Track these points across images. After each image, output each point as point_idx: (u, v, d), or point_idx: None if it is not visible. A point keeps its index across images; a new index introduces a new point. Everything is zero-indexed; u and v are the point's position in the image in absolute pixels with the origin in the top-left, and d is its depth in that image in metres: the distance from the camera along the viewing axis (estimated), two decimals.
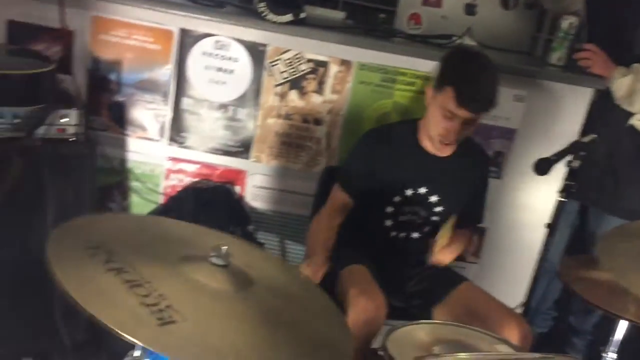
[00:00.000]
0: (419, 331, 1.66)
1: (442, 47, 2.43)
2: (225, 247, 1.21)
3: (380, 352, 1.55)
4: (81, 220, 1.27)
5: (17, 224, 2.03)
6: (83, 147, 2.15)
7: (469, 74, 1.95)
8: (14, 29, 2.27)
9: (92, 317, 1.01)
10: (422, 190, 2.09)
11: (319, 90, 2.43)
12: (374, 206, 2.10)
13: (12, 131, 2.00)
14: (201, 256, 1.22)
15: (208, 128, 2.45)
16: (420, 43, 2.51)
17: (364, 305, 1.80)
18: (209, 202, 2.48)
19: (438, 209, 2.11)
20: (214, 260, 1.21)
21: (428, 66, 2.34)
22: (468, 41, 2.49)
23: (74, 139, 2.11)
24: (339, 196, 2.09)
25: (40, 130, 2.03)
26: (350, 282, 1.90)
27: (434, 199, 2.10)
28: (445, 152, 2.07)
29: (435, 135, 2.00)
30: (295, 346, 1.14)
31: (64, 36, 2.29)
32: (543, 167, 1.84)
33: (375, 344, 1.81)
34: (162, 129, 2.45)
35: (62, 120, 2.07)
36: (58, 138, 2.08)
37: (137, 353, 1.65)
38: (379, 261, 2.06)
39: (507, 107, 2.46)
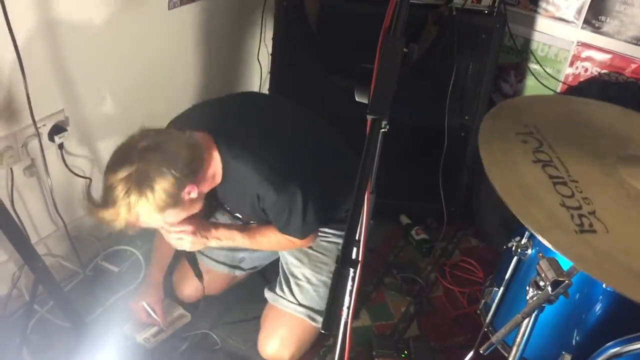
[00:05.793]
0: None
1: None
2: None
3: None
4: (519, 100, 1.20)
5: (421, 88, 2.11)
6: (494, 21, 2.09)
7: None
8: None
9: (506, 207, 0.97)
10: None
11: None
12: None
13: None
14: None
15: (635, 14, 2.10)
16: None
17: None
18: (613, 99, 2.18)
19: None
20: None
21: None
22: None
23: (487, 11, 2.07)
24: None
25: (458, 0, 2.02)
26: None
27: None
28: None
29: None
30: None
31: None
32: None
33: None
34: (579, 9, 2.19)
35: None
36: (472, 9, 2.07)
37: (524, 240, 1.62)
38: None
39: None
